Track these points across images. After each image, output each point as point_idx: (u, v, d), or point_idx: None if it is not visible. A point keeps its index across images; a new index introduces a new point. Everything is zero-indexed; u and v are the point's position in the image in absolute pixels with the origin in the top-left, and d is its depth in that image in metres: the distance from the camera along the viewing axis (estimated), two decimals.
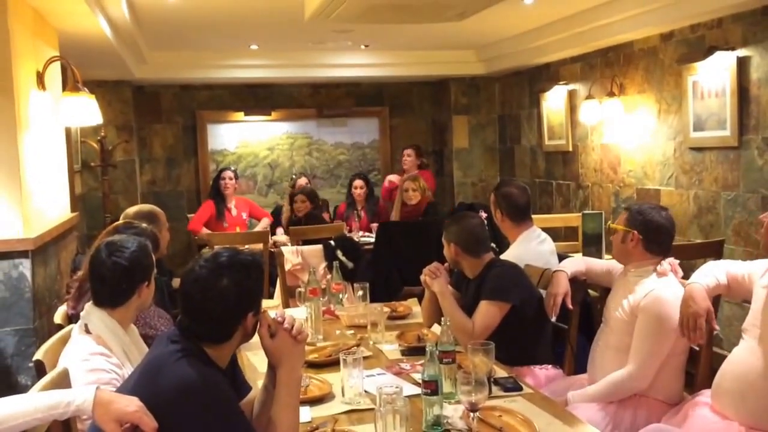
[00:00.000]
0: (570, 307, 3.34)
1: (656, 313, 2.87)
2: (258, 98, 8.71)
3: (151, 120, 8.42)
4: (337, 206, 7.53)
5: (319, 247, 5.59)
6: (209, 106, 8.59)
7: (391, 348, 3.29)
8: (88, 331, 2.49)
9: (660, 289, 2.91)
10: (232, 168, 7.51)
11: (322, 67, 8.08)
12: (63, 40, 4.84)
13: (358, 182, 7.27)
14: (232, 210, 7.14)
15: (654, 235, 3.02)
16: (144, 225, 3.23)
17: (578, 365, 3.39)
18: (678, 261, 3.09)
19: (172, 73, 7.73)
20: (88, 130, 6.99)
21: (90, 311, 2.53)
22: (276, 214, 7.43)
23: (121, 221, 3.41)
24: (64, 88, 4.44)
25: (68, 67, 4.30)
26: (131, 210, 3.81)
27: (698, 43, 5.35)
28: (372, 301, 3.86)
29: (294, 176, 8.13)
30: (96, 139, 7.12)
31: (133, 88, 8.04)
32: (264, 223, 7.15)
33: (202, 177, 8.56)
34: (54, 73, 4.59)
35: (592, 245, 5.21)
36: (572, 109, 7.14)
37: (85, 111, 4.25)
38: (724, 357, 2.78)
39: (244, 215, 7.20)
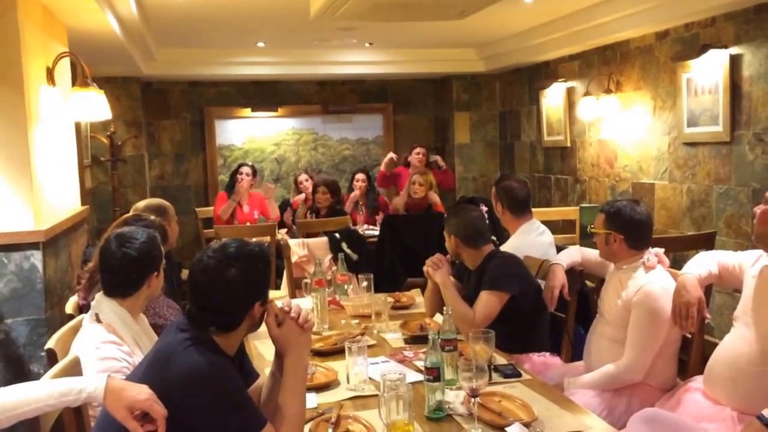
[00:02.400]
0: (567, 298, 3.40)
1: (649, 308, 2.92)
2: (264, 95, 8.72)
3: (159, 116, 8.44)
4: None
5: (325, 239, 5.65)
6: (217, 102, 8.61)
7: (394, 336, 3.34)
8: (98, 320, 2.51)
9: (650, 284, 2.95)
10: (250, 164, 7.41)
11: (327, 65, 8.12)
12: (72, 36, 4.86)
13: (360, 175, 7.27)
14: (244, 207, 7.06)
15: (635, 232, 3.07)
16: (152, 217, 3.25)
17: (575, 352, 3.45)
18: (663, 250, 3.14)
19: (180, 70, 7.77)
20: (97, 126, 7.03)
21: (100, 301, 2.55)
22: (282, 208, 7.39)
23: (130, 213, 3.43)
24: (73, 84, 4.46)
25: (77, 62, 4.31)
26: (141, 203, 3.83)
27: (692, 42, 5.40)
28: (376, 291, 3.92)
29: (297, 172, 8.16)
30: (105, 135, 7.20)
31: (142, 84, 8.06)
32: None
33: (209, 172, 8.61)
34: (63, 69, 4.60)
35: (589, 237, 5.25)
36: (570, 105, 7.19)
37: (95, 106, 4.27)
38: (715, 345, 2.83)
39: (257, 214, 7.12)
